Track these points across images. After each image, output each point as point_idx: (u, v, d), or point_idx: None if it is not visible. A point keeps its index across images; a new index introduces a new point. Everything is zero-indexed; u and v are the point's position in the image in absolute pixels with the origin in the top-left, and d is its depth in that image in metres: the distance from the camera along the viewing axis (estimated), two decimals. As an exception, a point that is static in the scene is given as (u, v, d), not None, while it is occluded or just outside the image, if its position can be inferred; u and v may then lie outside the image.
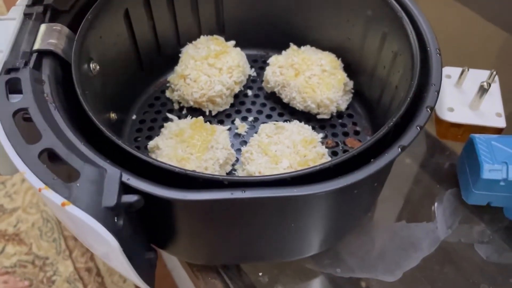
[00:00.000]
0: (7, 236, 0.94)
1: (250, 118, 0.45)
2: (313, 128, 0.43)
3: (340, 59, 0.45)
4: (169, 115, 0.45)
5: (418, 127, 0.29)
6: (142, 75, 0.46)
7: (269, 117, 0.45)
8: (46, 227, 0.96)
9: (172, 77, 0.46)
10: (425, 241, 0.39)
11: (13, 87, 0.30)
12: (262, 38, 0.49)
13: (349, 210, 0.34)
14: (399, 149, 0.28)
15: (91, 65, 0.36)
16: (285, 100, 0.45)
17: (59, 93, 0.31)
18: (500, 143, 0.38)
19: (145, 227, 0.30)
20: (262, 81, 0.47)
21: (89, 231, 0.24)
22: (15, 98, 0.29)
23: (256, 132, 0.41)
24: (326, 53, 0.45)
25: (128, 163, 0.27)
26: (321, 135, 0.41)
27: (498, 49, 0.57)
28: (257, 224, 0.31)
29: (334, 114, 0.44)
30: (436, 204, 0.42)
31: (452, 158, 0.45)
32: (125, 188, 0.26)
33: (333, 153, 0.42)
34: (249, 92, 0.48)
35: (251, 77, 0.49)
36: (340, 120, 0.45)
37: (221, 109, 0.45)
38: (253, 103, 0.47)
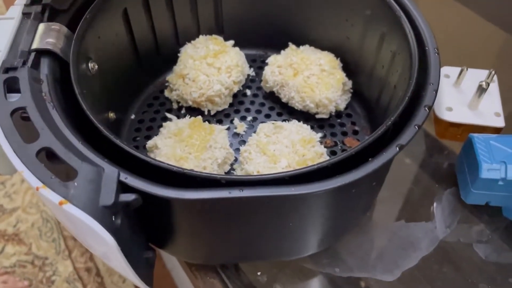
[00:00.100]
0: (6, 236, 0.94)
1: (249, 118, 0.45)
2: (312, 127, 0.43)
3: (339, 58, 0.45)
4: (168, 115, 0.45)
5: (416, 126, 0.29)
6: (140, 75, 0.46)
7: (267, 116, 0.45)
8: (46, 227, 0.96)
9: (171, 77, 0.46)
10: (424, 241, 0.39)
11: (11, 86, 0.30)
12: (261, 38, 0.49)
13: (347, 210, 0.34)
14: (397, 148, 0.28)
15: (89, 64, 0.36)
16: (284, 100, 0.45)
17: (57, 92, 0.31)
18: (499, 142, 0.38)
19: (143, 226, 0.30)
20: (261, 80, 0.47)
21: (87, 230, 0.24)
22: (13, 97, 0.29)
23: (254, 132, 0.41)
24: (325, 52, 0.45)
25: (126, 162, 0.27)
26: (319, 134, 0.41)
27: (497, 49, 0.57)
28: (255, 223, 0.31)
29: (333, 113, 0.44)
30: (435, 203, 0.42)
31: (451, 157, 0.45)
32: (123, 187, 0.26)
33: (332, 153, 0.42)
34: (248, 92, 0.48)
35: (250, 77, 0.49)
36: (338, 120, 0.45)
37: (219, 109, 0.45)
38: (252, 102, 0.47)
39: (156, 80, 0.48)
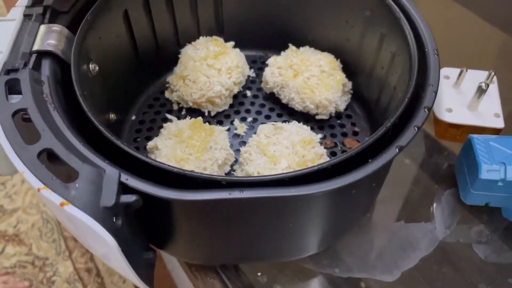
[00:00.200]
0: (7, 237, 0.94)
1: (249, 119, 0.45)
2: (312, 128, 0.43)
3: (339, 60, 0.45)
4: (168, 116, 0.45)
5: (415, 128, 0.29)
6: (141, 76, 0.46)
7: (268, 117, 0.45)
8: (46, 227, 0.96)
9: (171, 78, 0.46)
10: (423, 241, 0.39)
11: (13, 88, 0.30)
12: (261, 39, 0.49)
13: (347, 210, 0.34)
14: (397, 149, 0.28)
15: (90, 65, 0.36)
16: (284, 101, 0.45)
17: (58, 93, 0.31)
18: (498, 143, 0.38)
19: (143, 227, 0.31)
20: (261, 81, 0.47)
21: (88, 231, 0.24)
22: (15, 99, 0.29)
23: (255, 133, 0.41)
24: (325, 54, 0.46)
25: (127, 163, 0.27)
26: (319, 135, 0.42)
27: (497, 50, 0.57)
28: (255, 224, 0.31)
29: (333, 114, 0.44)
30: (434, 204, 0.42)
31: (451, 158, 0.45)
32: (124, 188, 0.26)
33: (332, 154, 0.42)
34: (248, 93, 0.48)
35: (250, 78, 0.49)
36: (338, 121, 0.45)
37: (220, 110, 0.46)
38: (252, 103, 0.47)
39: (156, 81, 0.48)
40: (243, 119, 0.45)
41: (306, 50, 0.46)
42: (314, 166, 0.27)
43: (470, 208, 0.41)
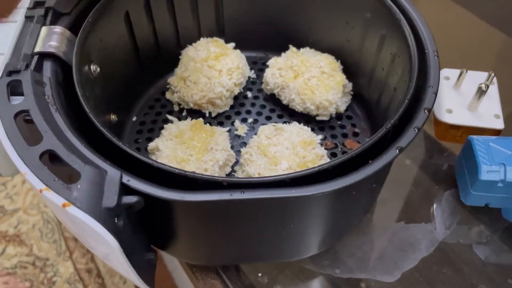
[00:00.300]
0: (7, 237, 0.94)
1: (250, 120, 0.45)
2: (312, 129, 0.43)
3: (339, 61, 0.46)
4: (169, 117, 0.45)
5: (416, 129, 0.29)
6: (142, 77, 0.46)
7: (268, 118, 0.46)
8: (47, 228, 0.96)
9: (172, 79, 0.46)
10: (423, 242, 0.39)
11: (15, 89, 0.30)
12: (262, 40, 0.50)
13: (347, 211, 0.35)
14: (397, 150, 0.28)
15: (91, 67, 0.36)
16: (285, 102, 0.45)
17: (60, 95, 0.32)
18: (498, 144, 0.38)
19: (145, 228, 0.31)
20: (261, 83, 0.47)
21: (90, 231, 0.24)
22: (17, 100, 0.29)
23: (255, 134, 0.41)
24: (325, 55, 0.46)
25: (128, 164, 0.27)
26: (320, 136, 0.42)
27: (497, 51, 0.58)
28: (256, 224, 0.31)
29: (333, 115, 0.45)
30: (434, 205, 0.42)
31: (451, 159, 0.45)
32: (126, 189, 0.26)
33: (332, 155, 0.42)
34: (249, 94, 0.48)
35: (251, 79, 0.49)
36: (339, 122, 0.45)
37: (220, 111, 0.46)
38: (253, 104, 0.47)
39: (157, 82, 0.48)
40: (244, 120, 0.45)
41: (306, 51, 0.46)
42: (315, 167, 0.27)
43: (470, 209, 0.41)
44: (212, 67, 0.44)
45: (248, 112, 0.46)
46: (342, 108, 0.45)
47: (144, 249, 0.32)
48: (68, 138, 0.28)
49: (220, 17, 0.48)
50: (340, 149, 0.43)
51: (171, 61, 0.47)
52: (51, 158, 0.27)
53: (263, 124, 0.43)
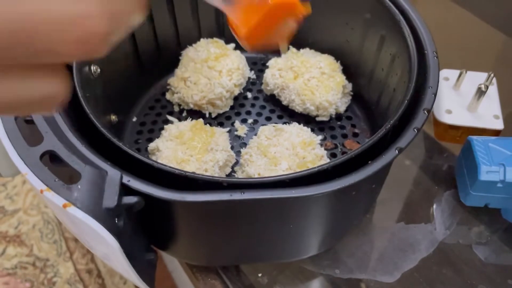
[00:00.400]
0: (8, 238, 0.94)
1: (250, 120, 0.45)
2: (312, 130, 0.43)
3: (339, 61, 0.46)
4: (169, 117, 0.46)
5: (415, 129, 0.29)
6: (142, 78, 0.47)
7: (268, 119, 0.46)
8: (47, 228, 0.96)
9: (172, 80, 0.46)
10: (423, 242, 0.39)
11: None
12: (262, 41, 0.50)
13: (347, 212, 0.35)
14: (396, 151, 0.28)
15: (92, 68, 0.36)
16: (284, 103, 0.45)
17: (61, 95, 0.32)
18: (498, 145, 0.38)
19: (145, 228, 0.31)
20: (261, 83, 0.47)
21: (90, 232, 0.24)
22: (17, 101, 0.29)
23: (255, 134, 0.41)
24: (325, 55, 0.46)
25: (128, 165, 0.27)
26: (320, 137, 0.42)
27: (496, 52, 0.58)
28: (256, 225, 0.31)
29: (333, 116, 0.45)
30: (434, 205, 0.42)
31: (451, 159, 0.45)
32: (126, 190, 0.26)
33: (332, 155, 0.42)
34: (249, 95, 0.48)
35: (251, 80, 0.49)
36: (339, 122, 0.45)
37: (221, 112, 0.46)
38: (253, 105, 0.47)
39: (157, 83, 0.49)
40: (244, 121, 0.45)
41: (306, 52, 0.46)
42: (315, 168, 0.27)
43: (470, 209, 0.41)
44: (212, 67, 0.45)
45: (248, 112, 0.46)
46: (342, 109, 0.45)
47: (144, 249, 0.32)
48: (69, 138, 0.28)
49: (220, 18, 0.48)
50: (340, 150, 0.43)
51: (171, 62, 0.47)
52: (51, 159, 0.27)
53: (263, 125, 0.43)
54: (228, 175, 0.40)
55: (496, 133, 0.44)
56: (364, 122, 0.45)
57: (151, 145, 0.40)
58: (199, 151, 0.38)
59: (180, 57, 0.47)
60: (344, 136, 0.44)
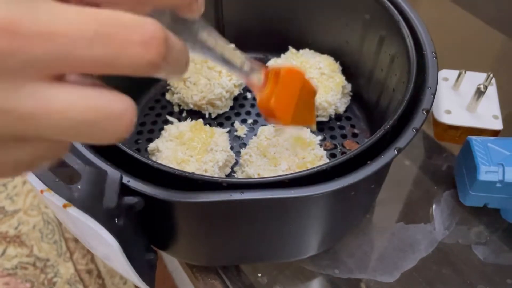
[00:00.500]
0: (8, 238, 0.94)
1: (250, 121, 0.46)
2: (312, 130, 0.43)
3: (338, 62, 0.46)
4: (169, 118, 0.46)
5: (414, 130, 0.29)
6: (142, 78, 0.46)
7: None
8: (47, 229, 0.96)
9: (172, 80, 0.46)
10: (423, 242, 0.39)
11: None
12: (261, 41, 0.50)
13: (347, 212, 0.35)
14: (395, 151, 0.28)
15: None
16: (284, 103, 0.45)
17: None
18: (497, 145, 0.38)
19: (145, 228, 0.31)
20: (261, 84, 0.47)
21: (90, 232, 0.24)
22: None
23: (255, 135, 0.42)
24: (325, 56, 0.46)
25: (128, 165, 0.27)
26: (319, 137, 0.42)
27: (496, 52, 0.58)
28: (255, 225, 0.32)
29: (333, 116, 0.45)
30: (434, 205, 0.42)
31: (450, 160, 0.45)
32: (126, 190, 0.26)
33: (332, 155, 0.42)
34: (249, 95, 0.48)
35: (251, 80, 0.49)
36: (338, 123, 0.45)
37: (220, 112, 0.46)
38: (253, 105, 0.47)
39: (157, 84, 0.49)
40: (244, 121, 0.46)
41: (305, 53, 0.46)
42: (314, 168, 0.27)
43: (469, 209, 0.41)
44: (212, 68, 0.45)
45: (248, 113, 0.46)
46: (341, 109, 0.45)
47: (144, 249, 0.32)
48: (69, 139, 0.28)
49: (220, 19, 0.48)
50: (339, 150, 0.43)
51: (171, 62, 0.47)
52: (52, 159, 0.27)
53: (262, 125, 0.43)
54: (228, 176, 0.41)
55: (495, 133, 0.45)
56: (363, 122, 0.45)
57: (151, 146, 0.40)
58: (199, 151, 0.38)
59: (180, 58, 0.47)
60: (344, 136, 0.44)
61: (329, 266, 0.38)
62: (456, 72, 0.47)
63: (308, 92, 0.33)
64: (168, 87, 0.47)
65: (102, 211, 0.24)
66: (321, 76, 0.44)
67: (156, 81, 0.49)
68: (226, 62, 0.26)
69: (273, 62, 0.46)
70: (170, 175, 0.27)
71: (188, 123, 0.41)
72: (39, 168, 0.17)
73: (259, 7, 0.47)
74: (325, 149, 0.42)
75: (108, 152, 0.28)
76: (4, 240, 0.94)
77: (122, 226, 0.26)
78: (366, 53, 0.43)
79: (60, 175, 0.25)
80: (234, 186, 0.27)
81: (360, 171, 0.27)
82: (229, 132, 0.44)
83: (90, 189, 0.25)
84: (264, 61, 0.50)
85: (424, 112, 0.31)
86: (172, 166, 0.35)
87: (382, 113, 0.41)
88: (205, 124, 0.42)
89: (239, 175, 0.40)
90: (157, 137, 0.42)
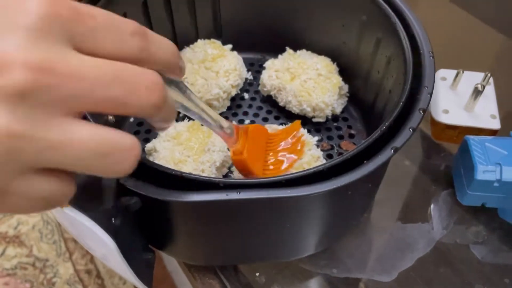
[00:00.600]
0: (7, 238, 0.94)
1: (247, 121, 0.46)
2: (309, 131, 0.43)
3: (335, 63, 0.46)
4: (167, 118, 0.46)
5: (411, 129, 0.29)
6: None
7: (265, 120, 0.46)
8: (47, 229, 0.96)
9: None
10: (421, 242, 0.39)
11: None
12: (259, 42, 0.50)
13: (344, 211, 0.35)
14: (392, 150, 0.28)
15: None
16: (281, 104, 0.45)
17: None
18: (494, 144, 0.39)
19: (142, 228, 0.31)
20: (258, 84, 0.48)
21: (87, 232, 0.25)
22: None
23: (253, 135, 0.42)
24: (322, 57, 0.46)
25: (125, 165, 0.27)
26: (316, 138, 0.42)
27: (494, 52, 0.58)
28: (252, 225, 0.32)
29: (330, 117, 0.45)
30: (432, 205, 0.42)
31: (448, 159, 0.45)
32: (123, 190, 0.26)
33: (328, 156, 0.42)
34: (246, 95, 0.48)
35: (248, 81, 0.49)
36: (335, 124, 0.45)
37: (218, 112, 0.46)
38: (250, 106, 0.47)
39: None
40: (241, 122, 0.46)
41: (303, 54, 0.46)
42: (311, 169, 0.27)
43: (467, 208, 0.41)
44: (209, 68, 0.45)
45: (245, 113, 0.46)
46: (338, 110, 0.45)
47: (142, 249, 0.32)
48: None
49: (218, 19, 0.48)
50: (336, 151, 0.43)
51: (169, 63, 0.47)
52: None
53: (260, 126, 0.43)
54: (225, 176, 0.41)
55: (493, 132, 0.45)
56: (360, 123, 0.45)
57: (148, 146, 0.41)
58: (196, 151, 0.38)
59: (178, 58, 0.47)
60: (341, 137, 0.44)
61: (327, 266, 0.38)
62: (454, 72, 0.47)
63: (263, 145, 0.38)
64: (166, 88, 0.47)
65: (99, 211, 0.24)
66: (318, 77, 0.44)
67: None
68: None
69: (271, 63, 0.46)
70: (167, 175, 0.27)
71: (186, 123, 0.41)
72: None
73: (256, 7, 0.47)
74: (322, 150, 0.42)
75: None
76: (3, 240, 0.94)
77: (119, 226, 0.26)
78: (363, 54, 0.43)
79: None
80: (231, 186, 0.27)
81: (356, 171, 0.27)
82: (227, 132, 0.44)
83: (86, 189, 0.25)
84: (261, 62, 0.50)
85: (421, 111, 0.31)
86: (169, 166, 0.35)
87: (378, 114, 0.41)
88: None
89: (236, 176, 0.40)
90: (154, 137, 0.42)
